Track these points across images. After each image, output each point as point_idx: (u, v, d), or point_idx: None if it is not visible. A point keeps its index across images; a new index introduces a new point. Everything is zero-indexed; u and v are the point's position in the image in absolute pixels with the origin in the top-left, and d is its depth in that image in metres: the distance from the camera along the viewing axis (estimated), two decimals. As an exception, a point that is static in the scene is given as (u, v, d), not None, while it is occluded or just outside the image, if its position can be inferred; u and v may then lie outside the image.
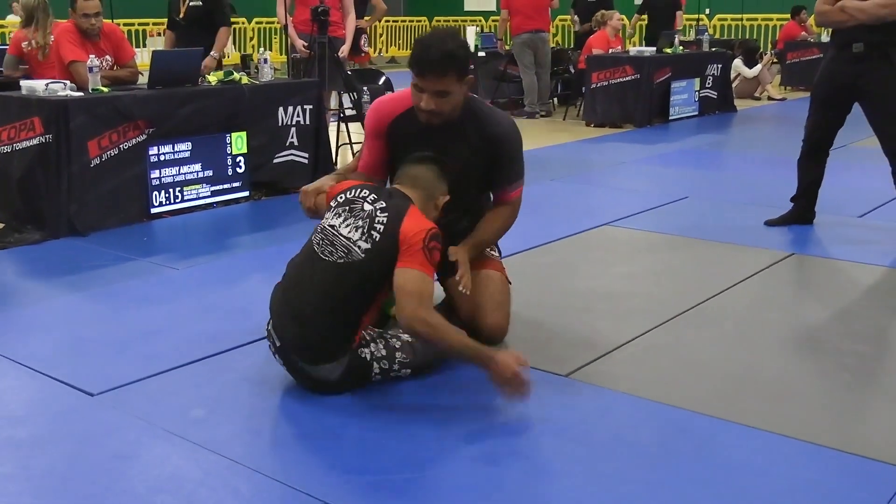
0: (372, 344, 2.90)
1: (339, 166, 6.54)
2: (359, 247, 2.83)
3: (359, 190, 3.00)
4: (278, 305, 2.96)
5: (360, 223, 2.87)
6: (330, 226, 2.93)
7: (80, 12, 5.50)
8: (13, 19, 16.54)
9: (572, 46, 12.22)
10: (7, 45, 13.65)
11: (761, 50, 12.66)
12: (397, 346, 2.93)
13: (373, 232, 2.84)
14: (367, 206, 2.91)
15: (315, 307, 2.83)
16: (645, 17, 12.43)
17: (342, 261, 2.83)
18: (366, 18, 10.54)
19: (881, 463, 2.47)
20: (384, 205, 2.90)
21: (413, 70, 3.12)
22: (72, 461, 2.50)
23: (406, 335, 2.94)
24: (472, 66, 3.25)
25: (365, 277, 2.84)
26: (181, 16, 6.67)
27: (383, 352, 2.90)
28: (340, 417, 2.78)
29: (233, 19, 17.71)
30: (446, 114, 3.15)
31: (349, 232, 2.87)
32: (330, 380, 2.86)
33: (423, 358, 2.97)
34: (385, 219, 2.85)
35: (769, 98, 12.52)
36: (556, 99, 11.23)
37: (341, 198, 3.00)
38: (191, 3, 6.59)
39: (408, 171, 3.08)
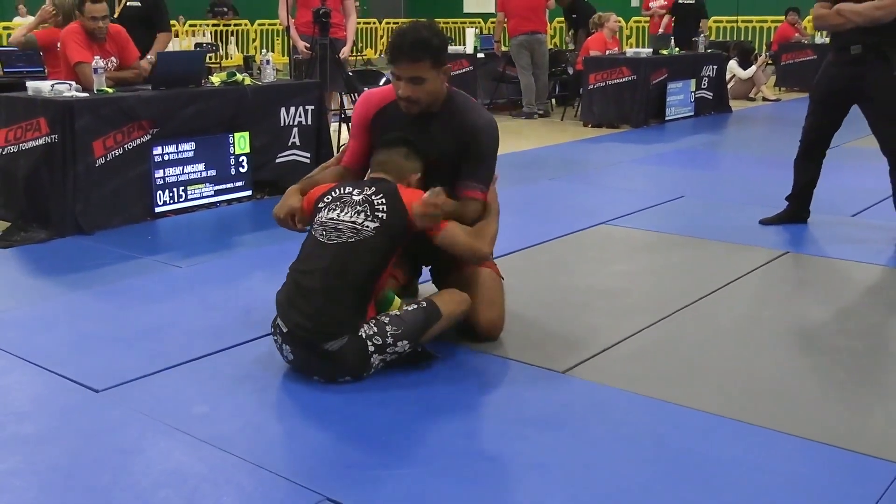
0: (365, 325, 2.93)
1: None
2: (366, 226, 2.97)
3: (340, 189, 3.12)
4: (285, 297, 3.00)
5: (360, 208, 3.01)
6: (329, 218, 3.03)
7: (88, 15, 5.49)
8: (20, 21, 16.54)
9: (572, 48, 12.21)
10: (4, 45, 13.64)
11: (756, 51, 12.66)
12: (386, 321, 2.96)
13: (377, 213, 2.98)
14: (357, 196, 3.04)
15: (325, 285, 2.91)
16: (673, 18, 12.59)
17: (353, 240, 2.95)
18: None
19: (875, 458, 2.46)
20: (374, 189, 3.05)
21: (389, 58, 3.20)
22: (77, 456, 2.49)
23: (393, 311, 3.03)
24: (447, 53, 3.25)
25: (374, 252, 2.97)
26: (116, 15, 6.32)
27: (374, 328, 2.93)
28: (341, 414, 2.77)
29: (235, 21, 17.59)
30: (423, 101, 3.19)
31: (352, 217, 2.99)
32: (333, 350, 2.88)
33: (412, 325, 2.98)
34: (383, 200, 3.01)
35: (763, 99, 12.52)
36: (553, 99, 11.22)
37: (327, 198, 3.11)
38: (127, 3, 6.33)
39: (377, 159, 3.25)
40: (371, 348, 2.91)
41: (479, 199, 3.27)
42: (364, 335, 2.90)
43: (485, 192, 3.30)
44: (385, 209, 2.99)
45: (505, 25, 10.51)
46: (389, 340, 2.93)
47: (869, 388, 3.00)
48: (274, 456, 2.49)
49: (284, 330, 2.95)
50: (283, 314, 2.98)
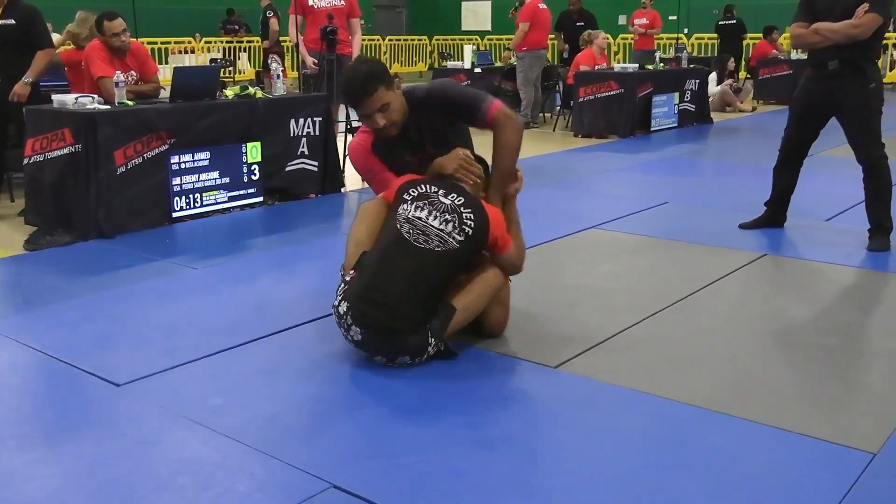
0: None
1: (345, 174, 6.54)
2: (453, 238, 3.01)
3: (423, 185, 3.16)
4: (362, 288, 2.97)
5: (448, 216, 3.04)
6: (416, 217, 3.04)
7: (110, 33, 5.50)
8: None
9: (560, 63, 12.26)
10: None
11: (730, 67, 12.68)
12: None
13: (464, 227, 3.03)
14: (445, 200, 3.08)
15: (406, 288, 2.93)
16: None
17: (439, 249, 2.99)
18: (264, 44, 10.50)
19: (848, 448, 2.46)
20: (462, 200, 3.08)
21: (352, 106, 3.28)
22: (99, 446, 2.49)
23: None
24: (389, 72, 3.30)
25: (456, 263, 3.05)
26: None
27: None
28: (347, 405, 2.77)
29: (247, 38, 17.52)
30: (398, 120, 3.26)
31: (441, 224, 3.02)
32: (409, 344, 2.95)
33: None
34: (471, 215, 3.05)
35: (739, 110, 12.49)
36: (549, 113, 11.21)
37: (413, 192, 3.13)
38: (1, 21, 5.49)
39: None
40: (430, 336, 2.97)
41: (493, 116, 3.25)
42: (428, 325, 2.97)
43: (488, 106, 3.26)
44: (472, 224, 3.03)
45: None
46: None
47: (842, 382, 2.99)
48: (284, 446, 2.48)
49: (356, 319, 2.95)
50: (356, 306, 2.94)
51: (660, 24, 13.43)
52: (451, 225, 3.02)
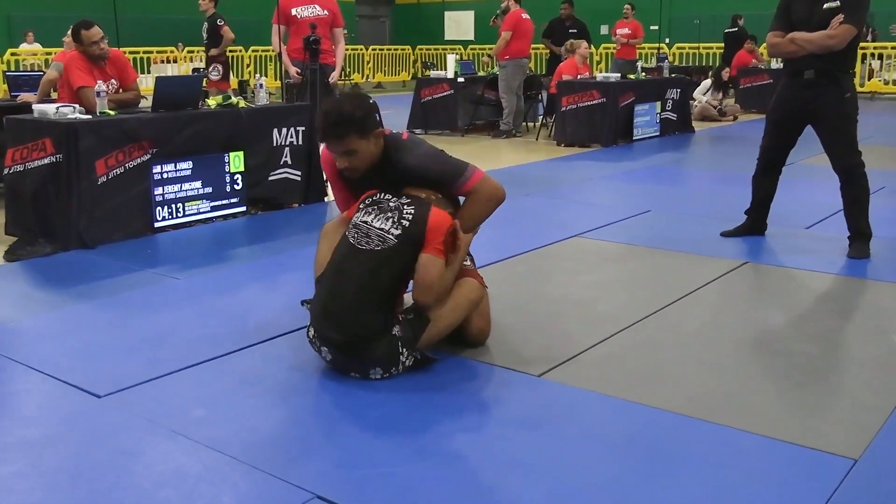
0: (397, 325, 2.99)
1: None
2: (391, 234, 2.99)
3: (380, 194, 3.15)
4: (320, 308, 3.01)
5: (390, 214, 3.04)
6: (363, 221, 3.06)
7: (88, 41, 5.48)
8: (26, 47, 16.45)
9: (544, 72, 12.32)
10: (11, 70, 13.50)
11: (724, 77, 12.75)
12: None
13: (402, 220, 3.00)
14: (393, 203, 3.07)
15: (357, 294, 2.94)
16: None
17: (379, 248, 2.98)
18: (212, 51, 10.58)
19: (829, 454, 2.48)
20: (409, 200, 3.08)
21: (320, 137, 3.22)
22: (80, 458, 2.47)
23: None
24: (377, 119, 3.20)
25: (399, 259, 2.99)
26: None
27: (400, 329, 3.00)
28: (331, 416, 2.77)
29: (230, 48, 17.65)
30: (361, 167, 3.20)
31: (381, 223, 3.02)
32: (376, 354, 2.94)
33: (405, 336, 3.01)
34: (411, 209, 3.03)
35: (718, 119, 12.52)
36: (533, 122, 11.25)
37: (369, 200, 3.14)
38: None
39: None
40: (401, 346, 2.96)
41: (470, 187, 3.23)
42: (396, 334, 2.96)
43: (467, 179, 3.23)
44: (410, 217, 3.00)
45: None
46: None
47: (823, 389, 3.01)
48: (268, 457, 2.47)
49: (321, 338, 2.99)
50: (318, 327, 2.99)
51: (642, 34, 13.55)
52: (390, 222, 3.02)
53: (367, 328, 2.93)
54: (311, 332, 3.06)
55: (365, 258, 2.98)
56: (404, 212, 3.04)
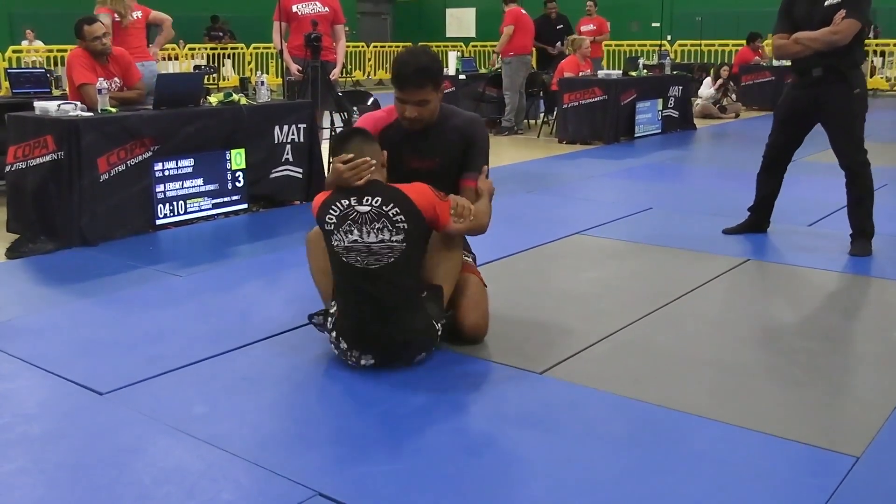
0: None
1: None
2: (395, 241, 2.97)
3: (335, 206, 3.01)
4: (357, 328, 3.02)
5: (378, 224, 2.97)
6: (353, 242, 2.97)
7: (90, 37, 5.49)
8: (27, 45, 16.45)
9: (542, 69, 12.27)
10: (14, 67, 13.48)
11: (723, 75, 12.73)
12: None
13: (398, 226, 2.97)
14: (363, 208, 2.98)
15: (395, 308, 2.99)
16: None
17: (393, 259, 2.97)
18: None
19: (831, 452, 2.48)
20: (380, 199, 2.99)
21: (395, 85, 3.26)
22: (82, 455, 2.47)
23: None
24: (444, 74, 3.36)
25: (413, 257, 3.03)
26: None
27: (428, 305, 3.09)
28: (332, 413, 2.77)
29: (231, 45, 17.49)
30: (427, 119, 3.31)
31: (374, 237, 2.97)
32: (419, 342, 3.06)
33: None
34: (396, 209, 2.98)
35: (719, 116, 12.52)
36: (534, 119, 11.23)
37: (331, 219, 3.00)
38: None
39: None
40: (435, 323, 3.06)
41: (473, 187, 3.37)
42: (431, 314, 3.05)
43: (476, 178, 3.37)
44: (404, 219, 2.98)
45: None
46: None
47: (825, 386, 3.01)
48: (269, 454, 2.47)
49: (365, 348, 3.02)
50: (360, 345, 3.01)
51: (607, 30, 12.78)
52: (385, 231, 2.96)
53: (415, 331, 3.02)
54: (345, 345, 3.04)
55: (387, 274, 2.97)
56: (391, 215, 2.96)
